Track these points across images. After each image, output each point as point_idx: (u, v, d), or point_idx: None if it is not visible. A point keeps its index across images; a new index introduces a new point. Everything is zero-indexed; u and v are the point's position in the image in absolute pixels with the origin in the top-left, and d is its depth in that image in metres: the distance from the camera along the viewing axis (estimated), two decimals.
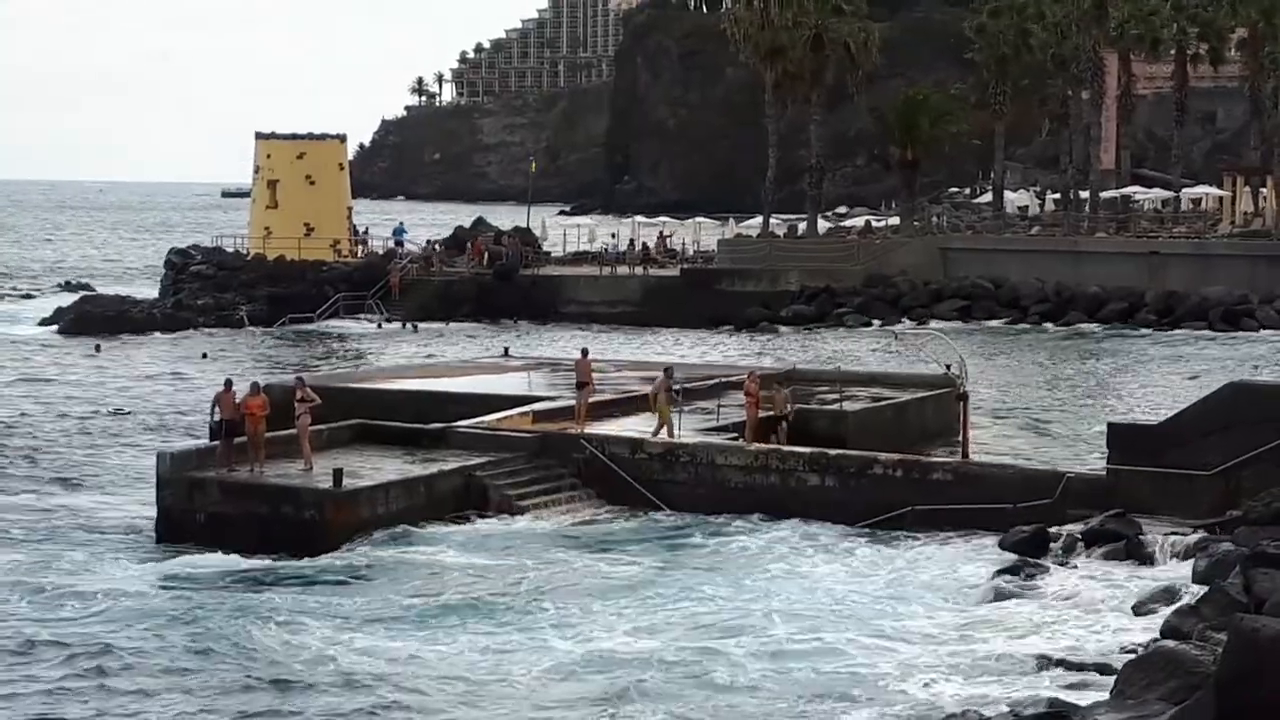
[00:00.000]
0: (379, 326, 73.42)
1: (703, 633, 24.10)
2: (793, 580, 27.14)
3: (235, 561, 29.14)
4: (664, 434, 33.62)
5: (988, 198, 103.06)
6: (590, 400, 35.79)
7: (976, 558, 27.87)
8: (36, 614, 25.91)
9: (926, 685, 21.00)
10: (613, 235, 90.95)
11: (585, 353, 37.95)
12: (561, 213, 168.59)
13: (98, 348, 65.41)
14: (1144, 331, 69.36)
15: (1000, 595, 25.28)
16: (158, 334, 70.94)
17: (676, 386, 35.05)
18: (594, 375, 36.57)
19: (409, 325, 73.12)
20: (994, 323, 71.97)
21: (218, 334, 70.98)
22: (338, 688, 22.01)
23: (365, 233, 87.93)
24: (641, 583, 27.14)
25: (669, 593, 26.40)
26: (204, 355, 64.31)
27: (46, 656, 23.79)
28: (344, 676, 22.43)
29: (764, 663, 22.56)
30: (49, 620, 25.55)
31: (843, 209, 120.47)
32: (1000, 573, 26.21)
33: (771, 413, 34.27)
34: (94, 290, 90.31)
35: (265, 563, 29.12)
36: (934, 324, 66.79)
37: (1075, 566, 26.36)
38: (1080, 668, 20.63)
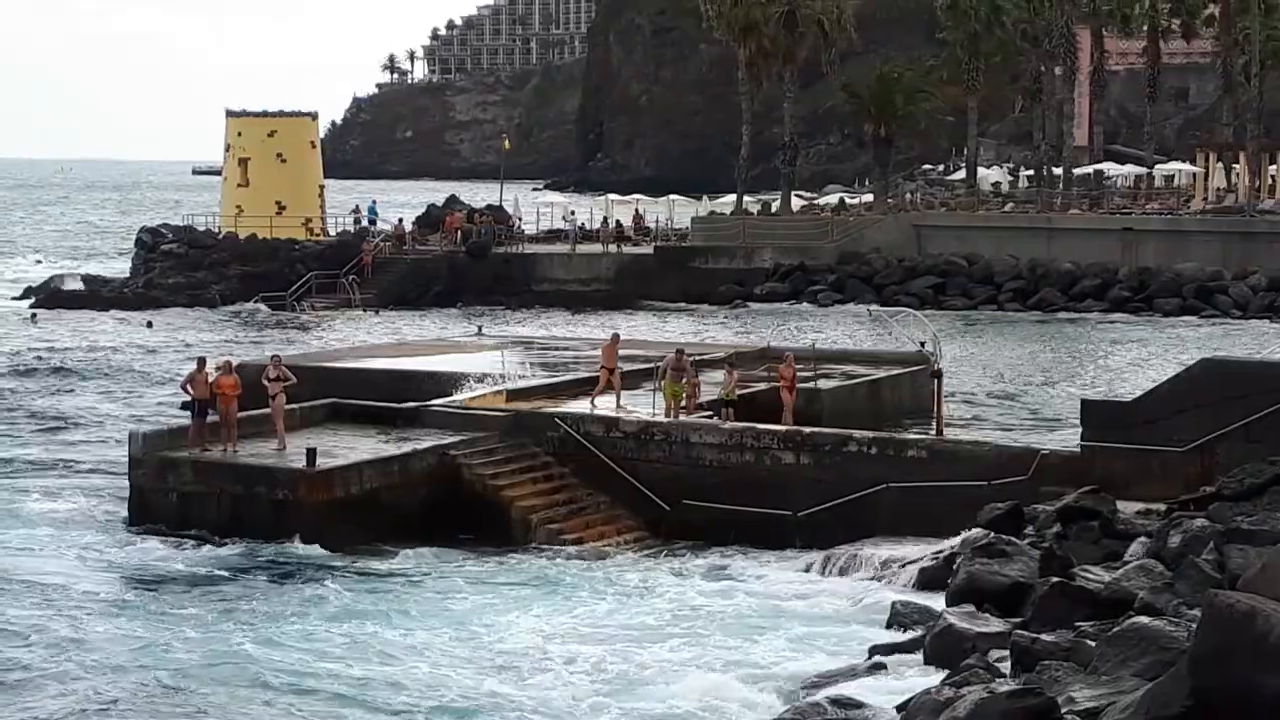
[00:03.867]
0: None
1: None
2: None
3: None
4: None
5: (961, 174, 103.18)
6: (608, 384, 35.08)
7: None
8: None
9: None
10: (572, 212, 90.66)
11: (616, 338, 37.34)
12: (535, 190, 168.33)
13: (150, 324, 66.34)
14: (1114, 316, 69.05)
15: None
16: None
17: (691, 360, 34.69)
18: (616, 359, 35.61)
19: (370, 310, 72.32)
20: (967, 308, 71.22)
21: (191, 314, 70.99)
22: None
23: (357, 210, 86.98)
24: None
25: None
26: (149, 325, 64.88)
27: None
28: None
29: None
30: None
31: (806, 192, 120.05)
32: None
33: (722, 395, 34.09)
34: (62, 268, 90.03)
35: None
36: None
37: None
38: None
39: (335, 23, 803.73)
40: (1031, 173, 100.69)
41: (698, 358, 39.54)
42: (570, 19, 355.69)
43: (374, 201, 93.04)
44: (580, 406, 35.06)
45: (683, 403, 33.81)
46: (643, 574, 28.28)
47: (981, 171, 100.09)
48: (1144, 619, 18.12)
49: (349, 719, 20.86)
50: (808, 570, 28.42)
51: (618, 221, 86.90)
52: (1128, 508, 26.57)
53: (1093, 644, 18.41)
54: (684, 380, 33.76)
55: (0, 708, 21.06)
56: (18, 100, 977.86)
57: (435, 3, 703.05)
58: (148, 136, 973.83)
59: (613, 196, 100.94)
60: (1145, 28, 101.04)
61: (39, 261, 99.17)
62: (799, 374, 35.25)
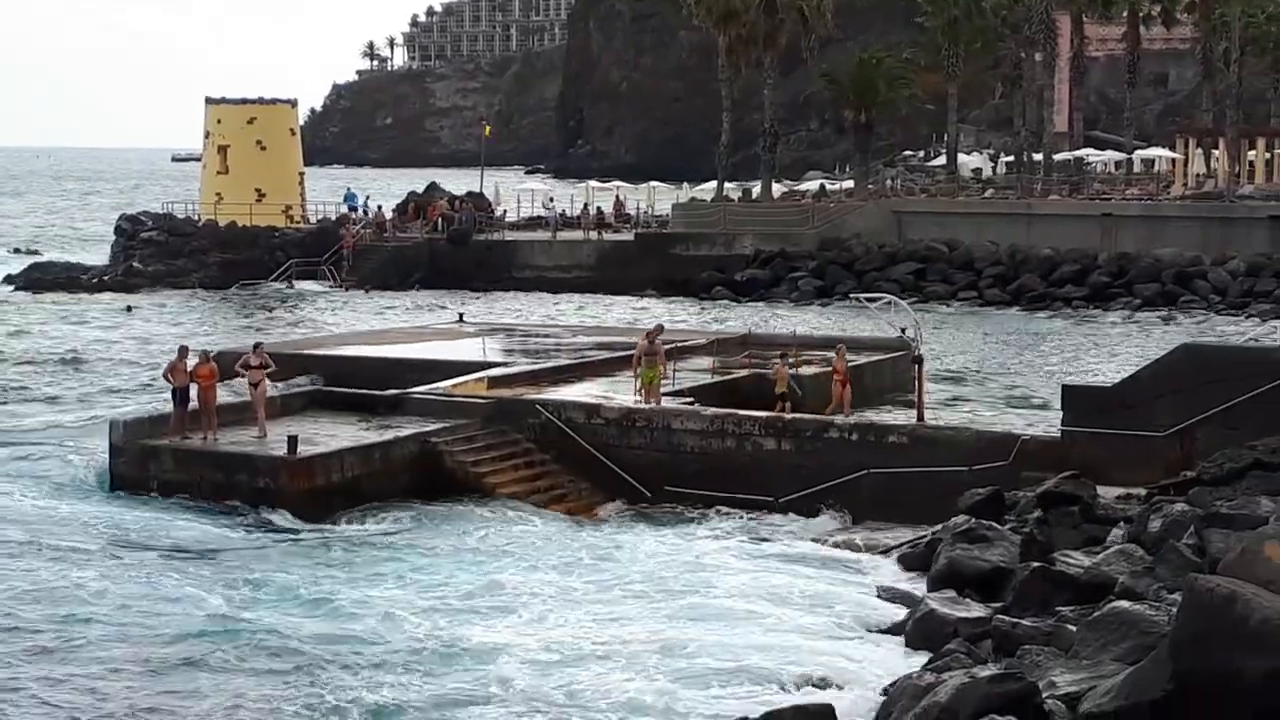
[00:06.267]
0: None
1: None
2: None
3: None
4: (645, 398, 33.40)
5: (941, 160, 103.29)
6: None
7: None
8: None
9: None
10: (552, 199, 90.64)
11: (660, 329, 36.17)
12: (522, 175, 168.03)
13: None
14: (1094, 301, 68.86)
15: None
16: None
17: (666, 347, 34.67)
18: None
19: (359, 290, 72.85)
20: (948, 294, 70.92)
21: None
22: None
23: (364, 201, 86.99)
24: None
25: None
26: (128, 309, 64.83)
27: None
28: None
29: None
30: None
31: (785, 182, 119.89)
32: None
33: (780, 391, 33.82)
34: (42, 256, 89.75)
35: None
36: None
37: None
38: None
39: (317, 9, 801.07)
40: (1011, 159, 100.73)
41: (681, 344, 39.61)
42: (550, 6, 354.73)
43: (350, 189, 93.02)
44: (562, 393, 35.06)
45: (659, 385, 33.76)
46: (622, 542, 28.39)
47: (962, 158, 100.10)
48: (1124, 603, 18.20)
49: (307, 668, 21.48)
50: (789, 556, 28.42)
51: (598, 208, 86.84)
52: (1108, 493, 26.66)
53: (1073, 628, 18.48)
54: (658, 364, 33.67)
55: None
56: (17, 101, 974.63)
57: None
58: (147, 138, 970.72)
59: (593, 183, 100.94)
60: (1125, 13, 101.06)
61: (18, 250, 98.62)
62: (776, 360, 35.20)
